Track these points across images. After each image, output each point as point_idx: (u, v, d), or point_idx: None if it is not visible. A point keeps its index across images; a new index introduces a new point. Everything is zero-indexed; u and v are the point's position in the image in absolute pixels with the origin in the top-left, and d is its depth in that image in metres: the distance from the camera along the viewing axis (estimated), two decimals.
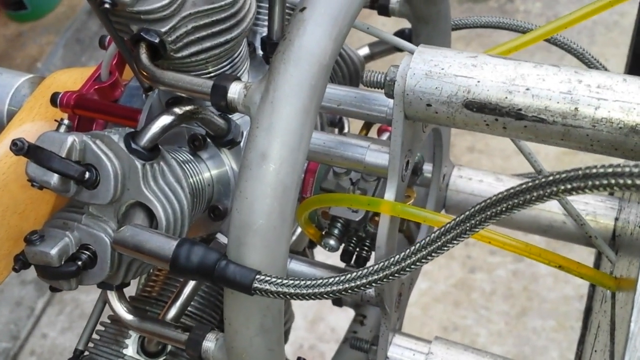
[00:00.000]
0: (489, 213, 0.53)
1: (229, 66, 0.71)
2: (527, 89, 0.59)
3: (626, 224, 0.74)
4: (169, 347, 0.75)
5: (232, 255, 0.58)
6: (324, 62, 0.58)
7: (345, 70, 0.90)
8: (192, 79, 0.62)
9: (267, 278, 0.56)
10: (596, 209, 0.83)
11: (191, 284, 0.72)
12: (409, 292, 0.83)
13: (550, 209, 0.84)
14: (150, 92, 0.77)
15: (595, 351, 0.69)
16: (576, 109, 0.58)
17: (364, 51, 0.95)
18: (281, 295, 0.56)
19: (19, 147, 0.61)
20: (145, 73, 0.63)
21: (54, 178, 0.61)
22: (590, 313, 0.89)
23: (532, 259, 0.65)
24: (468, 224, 0.54)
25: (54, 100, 0.80)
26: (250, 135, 0.58)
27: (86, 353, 0.77)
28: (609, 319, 0.65)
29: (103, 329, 0.78)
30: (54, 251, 0.62)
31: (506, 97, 0.60)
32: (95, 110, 0.78)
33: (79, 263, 0.63)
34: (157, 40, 0.63)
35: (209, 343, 0.65)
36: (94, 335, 0.79)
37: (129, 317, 0.68)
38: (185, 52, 0.66)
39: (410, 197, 0.78)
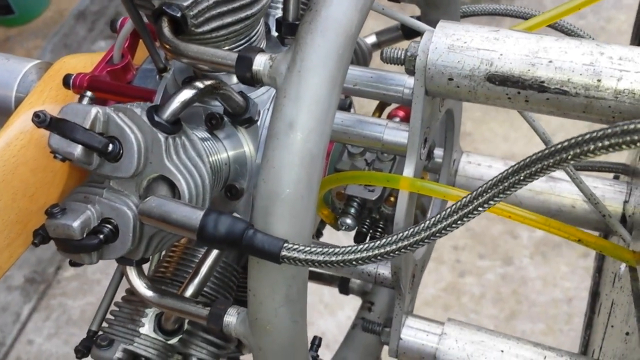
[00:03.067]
0: (507, 184, 0.54)
1: (246, 44, 0.71)
2: (550, 62, 0.60)
3: (638, 205, 0.75)
4: (185, 326, 0.75)
5: (258, 225, 0.58)
6: (350, 33, 0.59)
7: (354, 58, 0.91)
8: (217, 51, 0.62)
9: (295, 246, 0.56)
10: (605, 192, 0.84)
11: (208, 262, 0.72)
12: (421, 275, 0.83)
13: (560, 194, 0.85)
14: (164, 73, 0.77)
15: (612, 326, 0.69)
16: (599, 80, 0.59)
17: (372, 39, 0.96)
18: (309, 263, 0.56)
19: (41, 119, 0.61)
20: (168, 46, 0.63)
21: (78, 149, 0.61)
22: (598, 297, 0.90)
23: (552, 232, 0.65)
24: (487, 195, 0.54)
25: (66, 81, 0.80)
26: (276, 105, 0.58)
27: (100, 333, 0.76)
28: (628, 293, 0.65)
29: (117, 309, 0.78)
30: (76, 224, 0.62)
31: (529, 70, 0.60)
32: (108, 92, 0.78)
33: (101, 236, 0.62)
34: (179, 15, 0.63)
35: (231, 317, 0.65)
36: (108, 316, 0.78)
37: (149, 293, 0.67)
38: (206, 28, 0.66)
39: (424, 179, 0.78)
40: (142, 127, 0.62)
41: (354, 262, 0.55)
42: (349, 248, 0.56)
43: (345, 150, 0.78)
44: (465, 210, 0.54)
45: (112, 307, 0.79)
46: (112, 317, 0.77)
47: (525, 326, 2.20)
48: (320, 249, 0.56)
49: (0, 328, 2.45)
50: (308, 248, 0.56)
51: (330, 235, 1.02)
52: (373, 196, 0.75)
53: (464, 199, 0.55)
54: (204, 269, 0.71)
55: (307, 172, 0.57)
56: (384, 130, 0.70)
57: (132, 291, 0.78)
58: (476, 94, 0.63)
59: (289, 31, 0.76)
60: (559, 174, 0.86)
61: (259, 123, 0.72)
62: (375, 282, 0.78)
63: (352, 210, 0.76)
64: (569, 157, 0.49)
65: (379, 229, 0.79)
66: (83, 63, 0.87)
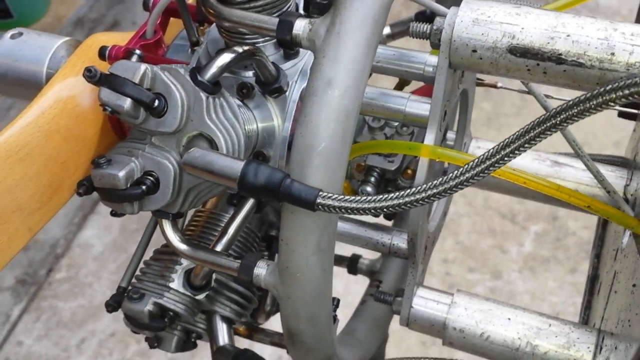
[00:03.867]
0: (522, 140, 0.59)
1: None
2: (568, 36, 0.65)
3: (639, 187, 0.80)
4: (212, 283, 0.78)
5: (294, 176, 0.62)
6: (386, 0, 0.63)
7: None
8: (259, 15, 0.67)
9: (330, 195, 0.60)
10: (606, 177, 0.88)
11: (236, 222, 0.75)
12: (432, 249, 0.87)
13: (565, 178, 0.90)
14: (196, 47, 0.81)
15: (616, 292, 0.74)
16: (612, 54, 0.64)
17: (386, 31, 1.00)
18: (343, 210, 0.60)
19: (92, 74, 0.65)
20: (212, 11, 0.67)
21: (127, 103, 0.65)
22: (597, 279, 0.94)
23: (563, 199, 0.70)
24: (504, 152, 0.59)
25: (102, 53, 0.83)
26: (315, 65, 0.62)
27: (130, 288, 0.79)
28: (632, 259, 0.70)
29: (146, 267, 0.81)
30: (121, 174, 0.66)
31: (548, 43, 0.65)
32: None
33: (143, 187, 0.66)
34: None
35: (260, 269, 0.69)
36: (137, 274, 0.82)
37: (183, 246, 0.71)
38: None
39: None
40: (186, 86, 0.67)
41: (384, 209, 0.60)
42: (381, 196, 0.60)
43: (366, 125, 0.82)
44: (488, 164, 0.58)
45: (141, 266, 0.83)
46: (142, 274, 0.80)
47: None
48: (353, 197, 0.60)
49: None
50: (342, 196, 0.60)
51: None
52: (392, 166, 0.79)
53: (485, 154, 0.59)
54: (232, 229, 0.75)
55: (342, 128, 0.62)
56: (407, 103, 0.75)
57: (160, 251, 0.82)
58: (497, 66, 0.68)
59: (316, 10, 0.80)
60: (564, 159, 0.91)
61: (287, 94, 0.76)
62: (389, 253, 0.82)
63: (372, 179, 0.80)
64: (593, 105, 0.53)
65: None
66: (114, 40, 0.91)
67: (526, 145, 0.58)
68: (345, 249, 1.14)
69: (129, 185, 0.66)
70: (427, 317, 0.80)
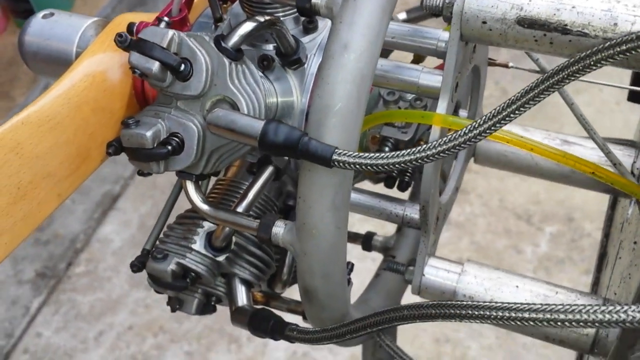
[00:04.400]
0: (526, 98, 0.62)
1: None
2: (573, 7, 0.68)
3: None
4: (232, 245, 0.82)
5: (312, 135, 0.66)
6: None
7: None
8: None
9: (345, 152, 0.64)
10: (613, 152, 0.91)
11: (256, 186, 0.79)
12: (444, 222, 0.91)
13: None
14: (220, 23, 0.85)
15: (620, 257, 0.76)
16: (615, 24, 0.67)
17: (402, 16, 1.04)
18: (358, 166, 0.63)
19: (122, 39, 0.69)
20: None
21: (155, 66, 0.69)
22: (606, 254, 0.97)
23: (569, 165, 0.73)
24: (509, 110, 0.63)
25: (129, 29, 0.88)
26: (333, 30, 0.66)
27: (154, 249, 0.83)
28: (634, 227, 0.73)
29: (170, 230, 0.85)
30: (149, 133, 0.70)
31: (554, 14, 0.69)
32: None
33: (169, 147, 0.70)
34: None
35: (278, 228, 0.72)
36: (161, 236, 0.85)
37: (205, 206, 0.74)
38: None
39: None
40: (210, 51, 0.70)
41: (397, 165, 0.63)
42: (394, 153, 0.63)
43: (381, 99, 0.86)
44: (497, 119, 0.62)
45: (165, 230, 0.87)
46: (165, 237, 0.84)
47: (525, 339, 2.26)
48: (368, 154, 0.64)
49: (10, 320, 2.50)
50: (356, 153, 0.64)
51: None
52: (406, 137, 0.83)
53: (492, 112, 0.62)
54: (251, 193, 0.78)
55: (358, 89, 0.65)
56: (420, 75, 0.78)
57: (183, 215, 0.86)
58: (506, 37, 0.71)
59: None
60: (573, 138, 0.93)
61: (305, 66, 0.80)
62: (402, 223, 0.86)
63: (387, 150, 0.84)
64: (593, 62, 0.57)
65: (407, 174, 0.87)
66: (140, 18, 0.95)
67: (530, 102, 0.61)
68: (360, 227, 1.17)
69: (155, 145, 0.70)
70: (438, 286, 0.83)
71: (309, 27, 0.81)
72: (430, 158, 0.62)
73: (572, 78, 0.61)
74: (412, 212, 0.85)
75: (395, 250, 1.01)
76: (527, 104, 0.62)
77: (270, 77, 0.80)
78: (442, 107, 0.76)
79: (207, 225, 0.82)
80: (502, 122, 0.62)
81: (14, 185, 0.83)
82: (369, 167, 0.63)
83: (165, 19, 0.77)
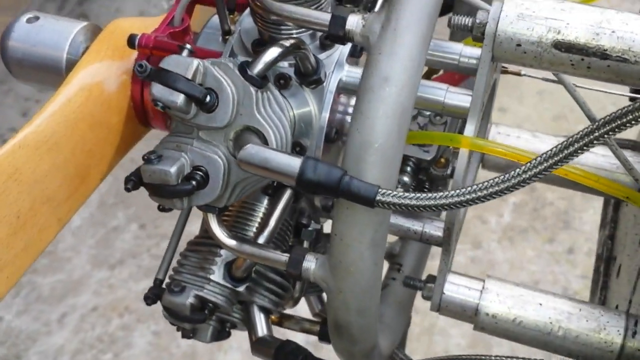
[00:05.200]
0: (572, 149, 0.60)
1: (317, 8, 0.75)
2: (613, 32, 0.66)
3: None
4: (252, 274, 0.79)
5: (351, 172, 0.63)
6: None
7: None
8: (310, 10, 0.67)
9: (388, 192, 0.61)
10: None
11: (276, 213, 0.76)
12: (459, 234, 0.89)
13: (585, 163, 0.91)
14: (228, 36, 0.81)
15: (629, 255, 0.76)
16: None
17: None
18: (402, 207, 0.61)
19: (143, 69, 0.64)
20: (260, 4, 0.67)
21: (180, 98, 0.64)
22: (614, 262, 0.97)
23: (601, 189, 0.71)
24: (567, 152, 0.61)
25: (131, 41, 0.82)
26: (371, 61, 0.63)
27: (167, 280, 0.79)
28: None
29: (184, 258, 0.81)
30: (173, 169, 0.66)
31: (593, 39, 0.67)
32: (173, 52, 0.81)
33: (194, 182, 0.66)
34: None
35: (309, 263, 0.69)
36: (174, 265, 0.82)
37: (230, 241, 0.71)
38: None
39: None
40: (235, 80, 0.66)
41: (446, 207, 0.61)
42: (441, 194, 0.61)
43: None
44: (550, 162, 0.60)
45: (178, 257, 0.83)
46: (180, 266, 0.80)
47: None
48: (413, 194, 0.61)
49: None
50: (401, 193, 0.61)
51: None
52: (428, 156, 0.81)
53: (548, 153, 0.60)
54: (272, 221, 0.75)
55: (399, 124, 0.62)
56: (446, 94, 0.75)
57: (195, 242, 0.82)
58: (541, 60, 0.69)
59: (350, 0, 0.81)
60: None
61: (324, 85, 0.76)
62: (421, 240, 0.84)
63: (409, 169, 0.81)
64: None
65: (425, 190, 0.84)
66: (136, 26, 0.90)
67: (591, 144, 0.60)
68: None
69: (179, 181, 0.66)
70: (459, 303, 0.82)
71: (326, 44, 0.77)
72: (480, 200, 0.60)
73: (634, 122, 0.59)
74: (432, 229, 0.83)
75: (401, 258, 0.99)
76: (586, 146, 0.60)
77: (286, 94, 0.76)
78: (470, 129, 0.73)
79: (225, 254, 0.79)
80: (560, 163, 0.60)
81: (13, 214, 0.79)
82: (414, 209, 0.61)
83: (188, 46, 0.72)
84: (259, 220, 0.82)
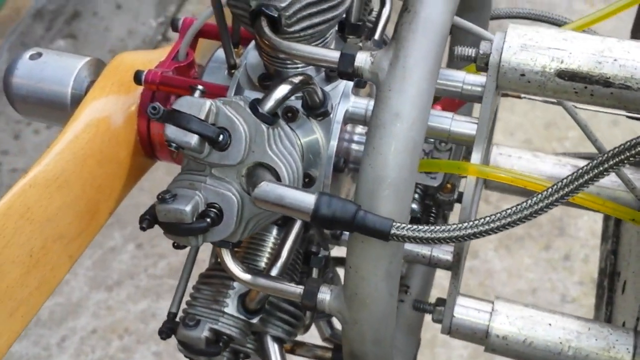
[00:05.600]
0: (587, 178, 0.62)
1: (322, 44, 0.76)
2: (615, 60, 0.68)
3: None
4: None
5: (364, 206, 0.64)
6: (445, 32, 0.65)
7: None
8: (318, 49, 0.68)
9: (403, 225, 0.62)
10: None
11: (288, 245, 0.77)
12: (465, 261, 0.90)
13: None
14: (233, 70, 0.82)
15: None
16: None
17: None
18: (417, 240, 0.62)
19: (156, 112, 0.65)
20: (268, 43, 0.68)
21: (194, 139, 0.65)
22: (618, 277, 0.98)
23: (607, 212, 0.73)
24: (582, 180, 0.62)
25: (138, 77, 0.83)
26: (381, 98, 0.64)
27: (182, 314, 0.80)
28: None
29: (197, 292, 0.82)
30: (188, 208, 0.66)
31: (596, 67, 0.68)
32: (181, 87, 0.82)
33: (208, 220, 0.67)
34: (276, 15, 0.69)
35: (324, 294, 0.70)
36: (187, 298, 0.82)
37: (245, 275, 0.72)
38: (297, 27, 0.71)
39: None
40: (247, 118, 0.67)
41: (459, 239, 0.62)
42: (455, 225, 0.62)
43: None
44: (566, 190, 0.61)
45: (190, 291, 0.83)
46: (193, 300, 0.81)
47: None
48: (427, 227, 0.62)
49: None
50: (415, 226, 0.62)
51: None
52: (435, 183, 0.82)
53: (563, 181, 0.62)
54: (284, 252, 0.76)
55: (411, 158, 0.63)
56: (451, 123, 0.77)
57: (207, 275, 0.83)
58: (545, 89, 0.70)
59: (352, 31, 0.82)
60: (584, 163, 0.94)
61: (331, 117, 0.77)
62: (429, 264, 0.85)
63: (416, 196, 0.82)
64: None
65: (432, 215, 0.86)
66: (140, 60, 0.91)
67: (601, 174, 0.61)
68: None
69: (194, 219, 0.67)
70: (469, 326, 0.83)
71: (331, 76, 0.78)
72: (495, 230, 0.62)
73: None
74: (440, 253, 0.84)
75: (408, 280, 1.00)
76: (602, 174, 0.61)
77: (293, 126, 0.78)
78: (476, 157, 0.75)
79: (238, 286, 0.79)
80: (567, 196, 0.61)
81: (26, 253, 0.80)
82: (429, 242, 0.62)
83: (200, 87, 0.73)
84: (269, 250, 0.83)
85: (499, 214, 0.62)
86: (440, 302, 0.86)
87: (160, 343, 2.32)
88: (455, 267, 0.81)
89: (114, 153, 0.88)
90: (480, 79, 0.78)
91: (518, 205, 0.62)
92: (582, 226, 2.42)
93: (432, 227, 0.62)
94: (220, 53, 0.85)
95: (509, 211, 0.62)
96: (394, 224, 0.62)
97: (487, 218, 0.62)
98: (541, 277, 2.34)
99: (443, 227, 0.62)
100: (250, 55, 0.81)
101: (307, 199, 0.64)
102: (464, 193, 0.75)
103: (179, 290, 0.84)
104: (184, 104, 0.66)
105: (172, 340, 2.43)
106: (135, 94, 0.88)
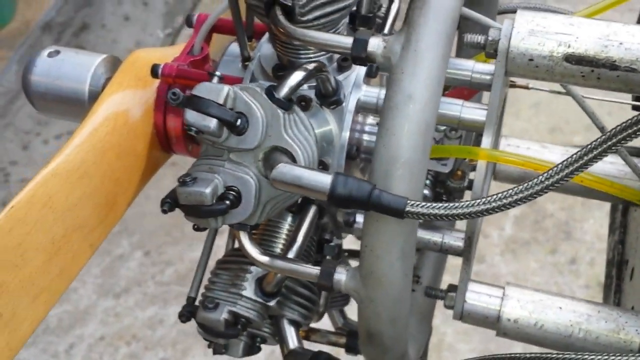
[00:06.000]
0: (607, 145, 0.64)
1: (334, 32, 0.78)
2: (621, 44, 0.70)
3: None
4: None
5: (379, 186, 0.66)
6: (455, 17, 0.67)
7: None
8: (331, 35, 0.70)
9: (417, 202, 0.64)
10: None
11: (304, 227, 0.79)
12: (476, 246, 0.92)
13: (593, 170, 0.95)
14: (248, 62, 0.84)
15: None
16: None
17: None
18: (431, 217, 0.64)
19: (176, 97, 0.67)
20: (284, 31, 0.70)
21: (213, 123, 0.67)
22: (626, 265, 1.00)
23: (615, 194, 0.75)
24: (587, 158, 0.64)
25: (154, 71, 0.86)
26: (394, 80, 0.66)
27: (200, 298, 0.82)
28: None
29: (215, 276, 0.84)
30: (208, 190, 0.69)
31: (602, 51, 0.70)
32: (197, 80, 0.84)
33: (227, 202, 0.69)
34: (290, 4, 0.71)
35: (340, 275, 0.72)
36: (206, 283, 0.84)
37: (263, 258, 0.74)
38: (310, 16, 0.73)
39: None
40: (263, 103, 0.70)
41: (473, 215, 0.64)
42: (467, 202, 0.64)
43: None
44: (571, 169, 0.63)
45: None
46: (212, 284, 0.83)
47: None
48: (441, 204, 0.64)
49: None
50: (429, 204, 0.64)
51: None
52: (446, 169, 0.84)
53: (557, 167, 0.64)
54: (300, 237, 0.78)
55: (423, 139, 0.65)
56: (462, 110, 0.79)
57: (224, 261, 0.85)
58: (553, 73, 0.72)
59: (362, 23, 0.84)
60: None
61: (344, 105, 0.80)
62: (440, 251, 0.87)
63: (428, 182, 0.84)
64: None
65: (443, 199, 0.88)
66: (156, 56, 0.93)
67: (610, 149, 0.63)
68: None
69: (214, 201, 0.69)
70: (481, 311, 0.85)
71: (343, 65, 0.81)
72: (507, 207, 0.63)
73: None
74: (451, 240, 0.86)
75: (419, 270, 1.02)
76: (605, 151, 0.63)
77: (307, 114, 0.79)
78: (486, 142, 0.77)
79: (255, 270, 0.81)
80: (580, 169, 0.63)
81: (48, 241, 0.81)
82: (443, 218, 0.64)
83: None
84: (284, 237, 0.85)
85: (511, 190, 0.64)
86: (452, 288, 0.87)
87: (167, 349, 2.33)
88: (466, 252, 0.83)
89: (132, 146, 0.90)
90: (488, 67, 0.80)
91: (530, 181, 0.64)
92: (588, 229, 2.44)
93: (446, 204, 0.64)
94: (233, 48, 0.87)
95: (521, 187, 0.63)
96: (409, 201, 0.64)
97: (500, 194, 0.64)
98: (547, 281, 2.35)
99: (457, 204, 0.64)
100: (264, 48, 0.83)
101: (323, 179, 0.66)
102: (475, 176, 0.77)
103: (197, 276, 0.86)
104: (203, 90, 0.68)
105: (180, 346, 2.45)
106: (151, 88, 0.90)
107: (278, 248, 0.84)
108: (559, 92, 0.89)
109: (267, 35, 0.85)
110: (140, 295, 2.49)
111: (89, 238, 0.85)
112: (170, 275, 2.50)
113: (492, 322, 0.84)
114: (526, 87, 0.93)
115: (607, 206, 2.56)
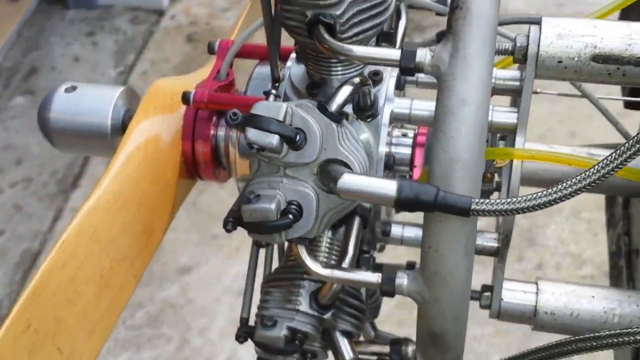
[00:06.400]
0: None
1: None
2: None
3: None
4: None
5: (441, 188, 0.69)
6: (495, 24, 0.71)
7: None
8: (378, 49, 0.74)
9: (482, 201, 0.68)
10: None
11: (352, 237, 0.81)
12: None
13: None
14: (277, 83, 0.86)
15: None
16: None
17: None
18: (497, 213, 0.67)
19: (236, 117, 0.69)
20: (330, 47, 0.73)
21: (275, 139, 0.69)
22: (637, 254, 1.05)
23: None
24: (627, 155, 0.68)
25: (186, 98, 0.87)
26: (447, 87, 0.69)
27: (254, 319, 0.83)
28: None
29: (267, 294, 0.84)
30: (272, 206, 0.70)
31: (626, 49, 0.75)
32: (229, 104, 0.86)
33: (291, 216, 0.71)
34: (332, 22, 0.74)
35: (401, 279, 0.74)
36: (259, 303, 0.85)
37: (325, 271, 0.75)
38: (350, 33, 0.76)
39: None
40: (318, 118, 0.72)
41: (537, 207, 0.67)
42: (530, 196, 0.68)
43: None
44: (613, 165, 0.67)
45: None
46: (265, 302, 0.84)
47: (475, 331, 2.35)
48: (505, 200, 0.68)
49: None
50: (494, 200, 0.67)
51: None
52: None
53: (603, 161, 0.68)
54: (351, 247, 0.81)
55: (479, 140, 0.69)
56: (492, 114, 0.83)
57: (272, 278, 0.86)
58: (581, 72, 0.77)
59: (385, 38, 0.88)
60: (598, 151, 1.01)
61: (379, 118, 0.83)
62: (475, 252, 0.90)
63: None
64: None
65: None
66: (176, 85, 0.95)
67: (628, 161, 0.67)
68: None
69: (278, 216, 0.71)
70: (518, 307, 0.88)
71: (375, 79, 0.84)
72: (566, 197, 0.67)
73: None
74: (484, 241, 0.89)
75: None
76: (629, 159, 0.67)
77: None
78: (520, 142, 0.81)
79: (308, 285, 0.83)
80: (620, 165, 0.67)
81: (97, 274, 0.82)
82: (508, 213, 0.67)
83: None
84: (324, 250, 0.86)
85: (568, 182, 0.67)
86: (486, 288, 0.91)
87: None
88: (502, 250, 0.86)
89: (163, 173, 0.91)
90: (510, 72, 0.85)
91: (584, 172, 0.68)
92: (550, 235, 2.52)
93: (508, 200, 0.67)
94: (260, 69, 0.90)
95: (578, 178, 0.67)
96: (474, 200, 0.67)
97: (557, 187, 0.68)
98: None
99: (519, 198, 0.67)
100: (293, 68, 0.86)
101: (389, 186, 0.68)
102: (512, 178, 0.81)
103: (246, 297, 0.86)
104: (262, 108, 0.70)
105: None
106: (177, 115, 0.92)
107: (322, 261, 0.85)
108: (570, 95, 0.94)
109: (293, 55, 0.87)
110: (112, 341, 2.44)
111: (132, 269, 0.86)
112: (142, 318, 2.46)
113: (529, 317, 0.88)
114: (535, 92, 0.98)
115: (566, 211, 2.64)
